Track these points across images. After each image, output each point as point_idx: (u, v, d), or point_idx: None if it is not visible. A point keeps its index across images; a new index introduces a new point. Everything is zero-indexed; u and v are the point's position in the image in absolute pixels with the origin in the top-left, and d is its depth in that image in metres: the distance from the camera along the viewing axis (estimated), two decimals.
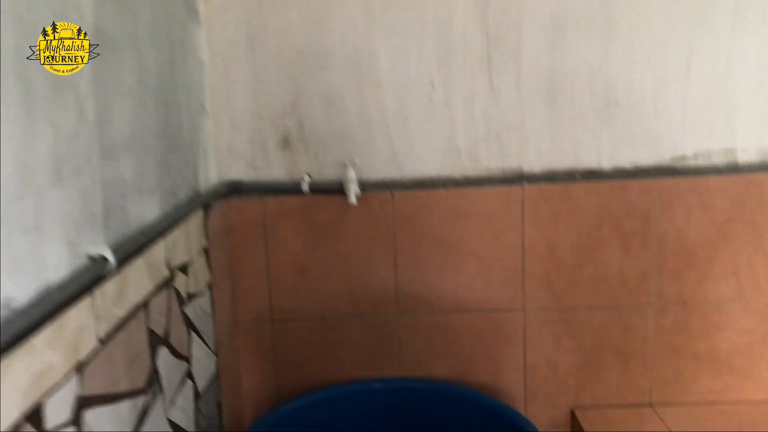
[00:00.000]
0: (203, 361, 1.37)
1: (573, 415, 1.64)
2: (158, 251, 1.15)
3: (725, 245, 1.58)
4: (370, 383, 1.59)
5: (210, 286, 1.43)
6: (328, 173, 1.57)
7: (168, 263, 1.19)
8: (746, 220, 1.57)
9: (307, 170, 1.56)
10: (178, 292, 1.24)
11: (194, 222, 1.35)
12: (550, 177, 1.57)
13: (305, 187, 1.54)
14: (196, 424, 1.31)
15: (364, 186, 1.56)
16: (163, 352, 1.15)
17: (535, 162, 1.57)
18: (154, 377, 1.10)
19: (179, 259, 1.25)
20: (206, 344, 1.40)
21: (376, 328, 1.62)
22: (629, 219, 1.57)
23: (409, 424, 1.57)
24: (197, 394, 1.32)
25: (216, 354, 1.45)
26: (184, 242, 1.29)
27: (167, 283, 1.18)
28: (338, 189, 1.53)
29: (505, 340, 1.63)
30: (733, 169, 1.56)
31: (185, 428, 1.25)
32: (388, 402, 1.58)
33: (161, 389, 1.13)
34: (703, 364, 1.63)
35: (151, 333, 1.10)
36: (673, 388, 1.64)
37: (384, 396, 1.58)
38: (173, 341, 1.20)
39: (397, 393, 1.59)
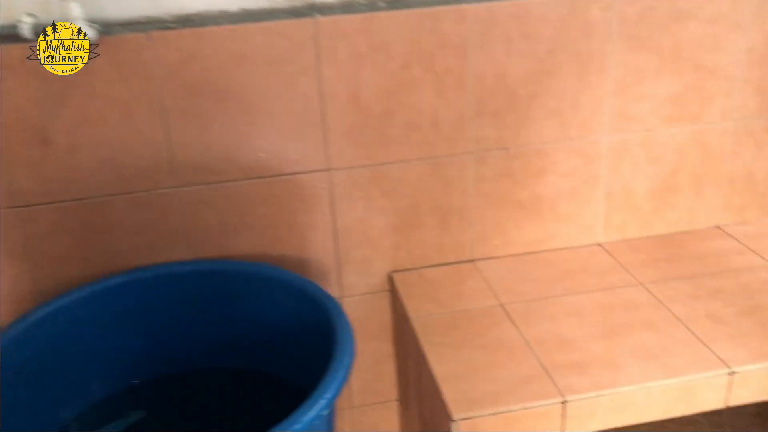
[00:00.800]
0: None
1: (390, 278, 1.48)
2: None
3: (548, 81, 1.40)
4: (149, 270, 1.33)
5: None
6: (56, 11, 1.18)
7: None
8: (571, 50, 1.39)
9: (26, 8, 1.17)
10: None
11: None
12: (348, 6, 1.28)
13: (26, 31, 1.16)
14: None
15: (109, 27, 1.20)
16: None
17: None
18: None
19: None
20: None
21: (152, 206, 1.34)
22: (443, 55, 1.34)
23: (201, 312, 1.35)
24: None
25: None
26: None
27: None
28: None
29: (309, 206, 1.40)
30: None
31: None
32: (175, 290, 1.34)
33: None
34: (527, 213, 1.50)
35: None
36: (496, 242, 1.51)
37: (169, 284, 1.33)
38: None
39: (185, 278, 1.34)
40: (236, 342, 1.37)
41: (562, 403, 1.10)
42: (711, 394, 1.16)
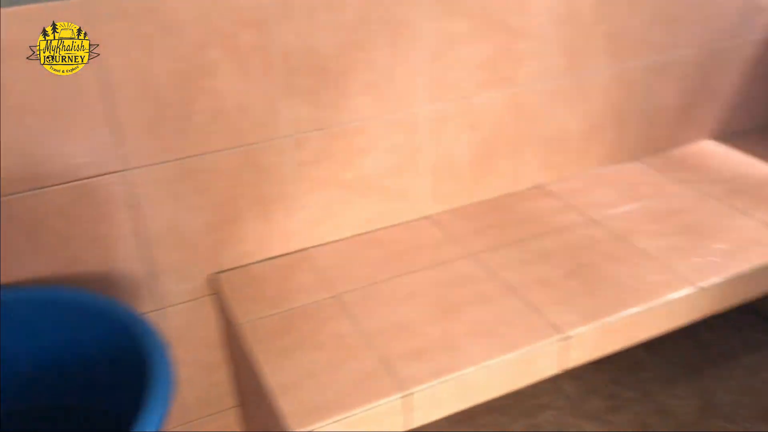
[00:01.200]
0: None
1: (213, 281, 1.35)
2: None
3: (360, 53, 1.31)
4: None
5: None
6: None
7: None
8: (381, 19, 1.31)
9: None
10: None
11: None
12: None
13: None
14: None
15: None
16: None
17: None
18: None
19: None
20: None
21: None
22: (243, 32, 1.21)
23: None
24: None
25: None
26: None
27: None
28: None
29: (108, 214, 1.23)
30: None
31: None
32: None
33: None
34: (353, 194, 1.43)
35: None
36: (325, 227, 1.43)
37: None
38: None
39: None
40: (42, 378, 1.19)
41: (404, 396, 1.05)
42: (547, 361, 1.17)
